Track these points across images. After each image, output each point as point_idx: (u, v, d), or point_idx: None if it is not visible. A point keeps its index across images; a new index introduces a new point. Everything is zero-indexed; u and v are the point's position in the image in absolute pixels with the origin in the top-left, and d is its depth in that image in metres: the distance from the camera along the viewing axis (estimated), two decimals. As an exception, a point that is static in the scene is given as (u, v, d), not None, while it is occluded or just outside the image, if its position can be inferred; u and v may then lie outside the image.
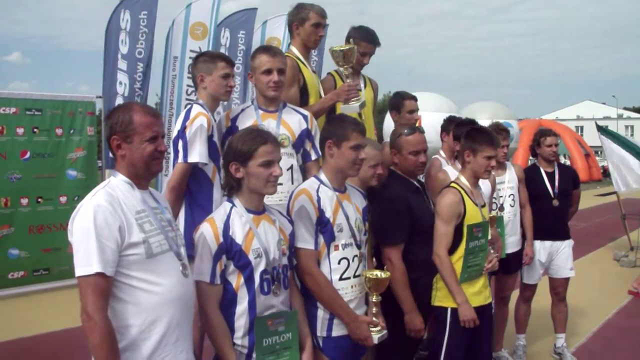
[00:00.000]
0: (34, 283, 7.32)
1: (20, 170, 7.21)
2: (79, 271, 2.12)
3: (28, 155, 7.26)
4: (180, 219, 3.48)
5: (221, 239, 2.58)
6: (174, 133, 3.52)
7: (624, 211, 10.59)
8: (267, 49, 3.70)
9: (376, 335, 3.02)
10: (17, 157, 7.17)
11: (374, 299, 3.03)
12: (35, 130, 7.30)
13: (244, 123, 3.58)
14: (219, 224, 2.61)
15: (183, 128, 3.42)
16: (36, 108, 7.33)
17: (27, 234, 7.29)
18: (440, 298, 3.54)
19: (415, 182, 3.70)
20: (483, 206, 3.68)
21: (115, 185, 2.34)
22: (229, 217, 2.64)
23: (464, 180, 3.66)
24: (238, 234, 2.61)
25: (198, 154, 3.36)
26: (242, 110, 3.68)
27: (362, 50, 4.25)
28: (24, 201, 7.26)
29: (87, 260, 2.11)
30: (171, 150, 3.55)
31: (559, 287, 5.17)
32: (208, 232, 2.58)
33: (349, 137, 3.03)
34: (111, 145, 2.35)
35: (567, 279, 5.15)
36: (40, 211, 7.37)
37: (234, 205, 2.69)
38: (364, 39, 4.28)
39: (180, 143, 3.41)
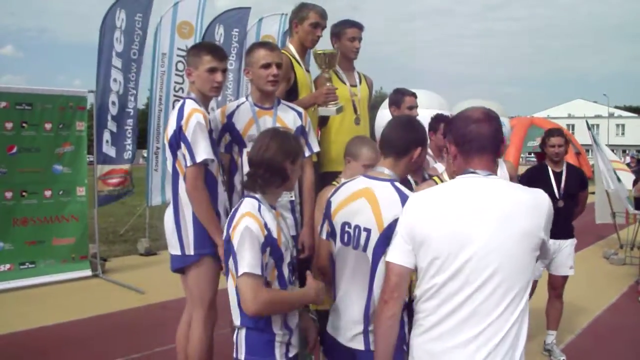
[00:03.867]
0: (21, 277, 7.24)
1: (6, 164, 7.13)
2: None
3: (15, 150, 7.16)
4: (188, 217, 3.46)
5: (265, 232, 2.57)
6: (169, 132, 3.45)
7: (613, 209, 10.63)
8: (265, 43, 3.74)
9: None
10: (4, 151, 7.08)
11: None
12: (24, 125, 7.20)
13: (240, 120, 3.59)
14: (259, 218, 2.59)
15: (179, 128, 3.35)
16: (26, 102, 7.21)
17: (12, 227, 7.23)
18: None
19: (412, 180, 3.77)
20: None
21: None
22: (261, 211, 2.63)
23: (446, 177, 3.66)
24: (272, 228, 2.61)
25: (204, 151, 3.32)
26: (238, 106, 3.67)
27: (350, 36, 4.32)
28: (8, 194, 7.19)
29: None
30: (167, 150, 3.51)
31: (556, 284, 5.21)
32: (254, 225, 2.54)
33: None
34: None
35: (565, 277, 5.18)
36: (24, 204, 7.30)
37: (259, 201, 2.67)
38: (347, 26, 4.37)
39: (183, 146, 3.35)
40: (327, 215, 2.83)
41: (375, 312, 2.51)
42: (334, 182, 3.69)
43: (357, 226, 2.68)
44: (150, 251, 9.40)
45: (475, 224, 2.12)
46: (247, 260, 2.48)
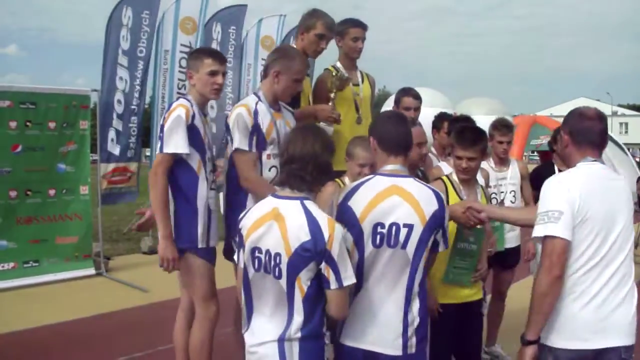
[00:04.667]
0: (25, 276, 7.25)
1: (11, 163, 7.13)
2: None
3: (19, 149, 7.16)
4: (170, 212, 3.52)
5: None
6: (158, 132, 3.58)
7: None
8: (303, 55, 3.71)
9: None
10: (8, 150, 7.09)
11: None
12: (28, 124, 7.20)
13: (264, 121, 3.54)
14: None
15: (163, 120, 3.49)
16: (30, 101, 7.21)
17: (15, 225, 7.24)
18: None
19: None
20: None
21: None
22: None
23: (454, 176, 3.66)
24: None
25: (174, 144, 3.39)
26: (256, 106, 3.57)
27: (353, 36, 4.27)
28: (13, 194, 7.19)
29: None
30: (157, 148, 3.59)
31: None
32: (344, 231, 2.50)
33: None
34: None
35: None
36: (28, 203, 7.31)
37: (311, 200, 2.58)
38: (351, 25, 4.31)
39: (161, 136, 3.48)
40: (347, 222, 2.62)
41: (536, 287, 2.56)
42: (336, 180, 3.69)
43: (394, 224, 2.59)
44: (153, 250, 9.37)
45: (618, 201, 2.63)
46: (351, 270, 2.44)
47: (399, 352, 2.60)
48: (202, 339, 3.57)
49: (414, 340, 2.63)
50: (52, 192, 7.48)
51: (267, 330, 2.50)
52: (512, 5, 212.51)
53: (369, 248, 2.63)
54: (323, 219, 2.42)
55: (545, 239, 2.53)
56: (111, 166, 8.21)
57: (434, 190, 2.72)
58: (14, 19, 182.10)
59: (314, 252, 2.37)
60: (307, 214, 2.42)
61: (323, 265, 2.38)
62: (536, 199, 4.73)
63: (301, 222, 2.40)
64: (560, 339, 2.55)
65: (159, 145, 3.47)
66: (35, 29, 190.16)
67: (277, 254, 2.42)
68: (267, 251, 2.46)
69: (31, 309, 6.40)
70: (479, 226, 3.36)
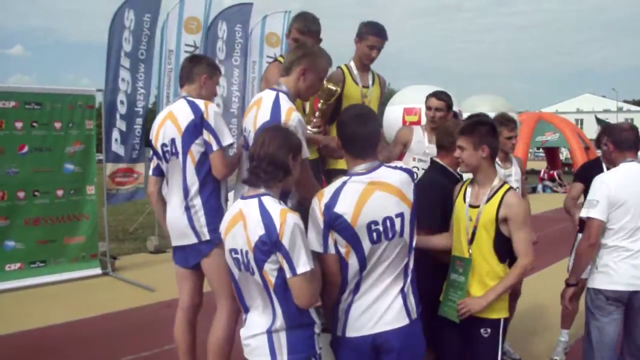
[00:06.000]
0: (32, 276, 7.28)
1: (18, 164, 7.16)
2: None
3: (26, 149, 7.19)
4: (198, 205, 3.60)
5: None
6: (181, 128, 3.52)
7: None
8: (329, 55, 3.58)
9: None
10: (14, 151, 7.12)
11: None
12: (34, 124, 7.23)
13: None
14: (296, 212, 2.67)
15: (200, 117, 3.48)
16: (36, 102, 7.25)
17: (23, 226, 7.26)
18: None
19: (456, 174, 3.67)
20: (475, 207, 3.28)
21: None
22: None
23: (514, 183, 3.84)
24: None
25: (228, 136, 3.53)
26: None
27: (370, 44, 4.26)
28: (21, 194, 7.22)
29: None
30: (179, 146, 3.55)
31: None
32: (299, 220, 2.56)
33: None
34: None
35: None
36: (36, 204, 7.34)
37: (272, 195, 2.66)
38: (371, 33, 4.29)
39: (205, 133, 3.49)
40: (340, 227, 2.65)
41: (577, 249, 3.78)
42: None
43: (387, 218, 2.65)
44: (159, 249, 9.42)
45: None
46: (304, 258, 2.48)
47: (406, 321, 2.71)
48: (227, 336, 3.56)
49: (414, 307, 2.77)
50: (60, 192, 7.51)
51: (258, 323, 2.62)
52: (517, 1, 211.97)
53: (367, 247, 2.67)
54: (275, 210, 2.51)
55: (587, 219, 3.60)
56: (116, 166, 8.24)
57: (404, 170, 2.80)
58: (19, 20, 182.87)
59: (270, 243, 2.47)
60: (262, 208, 2.54)
61: (278, 255, 2.47)
62: (584, 191, 4.78)
63: (258, 217, 2.52)
64: (605, 283, 3.61)
65: (212, 142, 3.47)
66: (40, 29, 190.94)
67: (247, 252, 2.55)
68: (241, 251, 2.59)
69: (38, 309, 6.43)
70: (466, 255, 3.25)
